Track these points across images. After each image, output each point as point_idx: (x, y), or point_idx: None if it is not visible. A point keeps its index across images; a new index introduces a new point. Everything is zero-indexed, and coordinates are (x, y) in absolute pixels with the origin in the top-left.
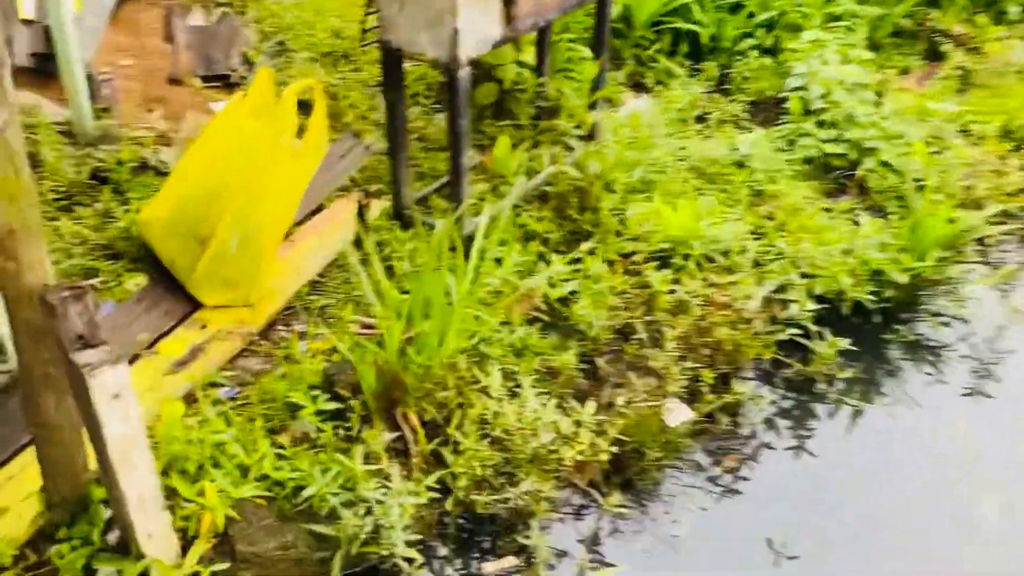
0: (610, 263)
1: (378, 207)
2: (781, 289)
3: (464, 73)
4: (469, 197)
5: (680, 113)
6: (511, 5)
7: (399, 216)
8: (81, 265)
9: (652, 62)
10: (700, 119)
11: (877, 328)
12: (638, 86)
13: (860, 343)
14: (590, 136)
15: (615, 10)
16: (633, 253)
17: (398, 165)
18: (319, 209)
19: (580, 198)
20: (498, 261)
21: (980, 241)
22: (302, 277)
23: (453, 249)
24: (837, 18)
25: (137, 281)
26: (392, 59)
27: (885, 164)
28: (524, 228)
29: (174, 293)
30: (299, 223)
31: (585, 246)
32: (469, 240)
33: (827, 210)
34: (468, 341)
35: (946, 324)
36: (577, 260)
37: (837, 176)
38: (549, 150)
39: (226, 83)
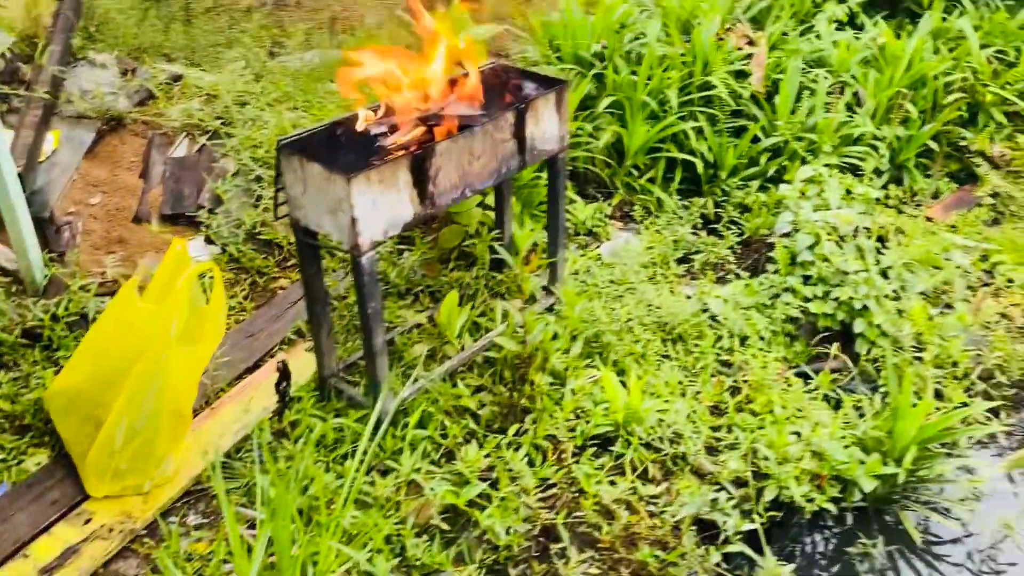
0: (542, 449)
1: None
2: (725, 491)
3: (367, 258)
4: (386, 379)
5: (661, 254)
6: (424, 186)
7: (321, 387)
8: None
9: (645, 192)
10: (684, 260)
11: (844, 536)
12: (627, 217)
13: (819, 559)
14: (546, 289)
15: (604, 137)
16: (569, 437)
17: (319, 335)
18: (258, 365)
19: (518, 368)
20: (412, 447)
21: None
22: (215, 453)
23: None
24: (856, 140)
25: (39, 460)
26: (303, 234)
27: (878, 328)
28: (457, 400)
29: (70, 477)
30: (236, 379)
31: (513, 429)
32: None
33: (807, 379)
34: (341, 564)
35: (930, 532)
36: (505, 445)
37: (821, 340)
38: (501, 306)
39: (192, 222)
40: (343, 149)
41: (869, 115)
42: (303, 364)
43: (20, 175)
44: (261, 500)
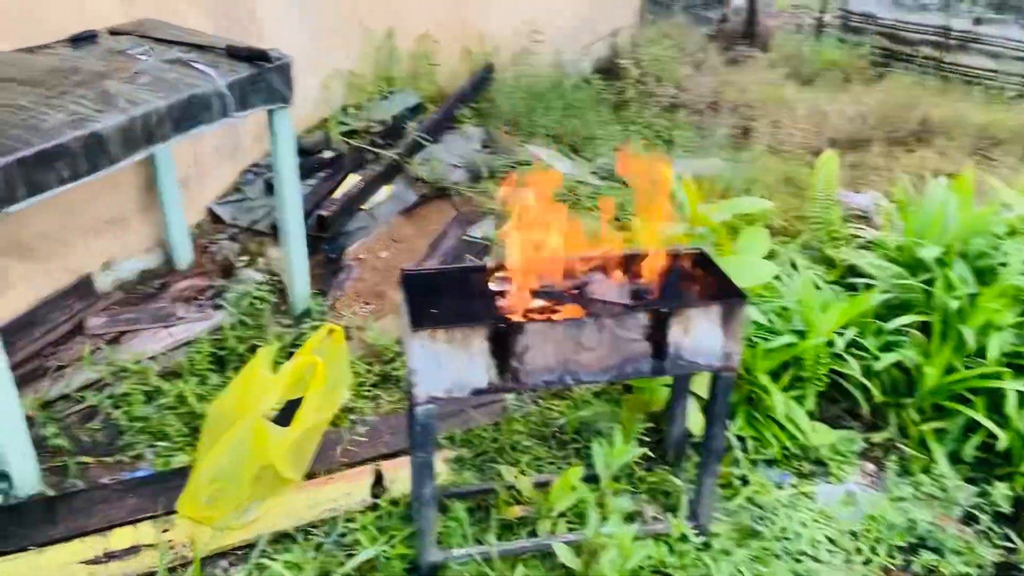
0: None
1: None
2: None
3: (423, 410)
4: (431, 531)
5: (879, 533)
6: (506, 359)
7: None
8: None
9: (923, 445)
10: (917, 548)
11: None
12: (875, 460)
13: None
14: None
15: (888, 359)
16: None
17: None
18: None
19: None
20: None
21: None
22: (290, 520)
23: None
24: None
25: (185, 460)
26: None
27: None
28: None
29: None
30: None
31: None
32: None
33: None
34: None
35: None
36: None
37: None
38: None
39: None
40: (455, 294)
41: None
42: None
43: (322, 215)
44: None
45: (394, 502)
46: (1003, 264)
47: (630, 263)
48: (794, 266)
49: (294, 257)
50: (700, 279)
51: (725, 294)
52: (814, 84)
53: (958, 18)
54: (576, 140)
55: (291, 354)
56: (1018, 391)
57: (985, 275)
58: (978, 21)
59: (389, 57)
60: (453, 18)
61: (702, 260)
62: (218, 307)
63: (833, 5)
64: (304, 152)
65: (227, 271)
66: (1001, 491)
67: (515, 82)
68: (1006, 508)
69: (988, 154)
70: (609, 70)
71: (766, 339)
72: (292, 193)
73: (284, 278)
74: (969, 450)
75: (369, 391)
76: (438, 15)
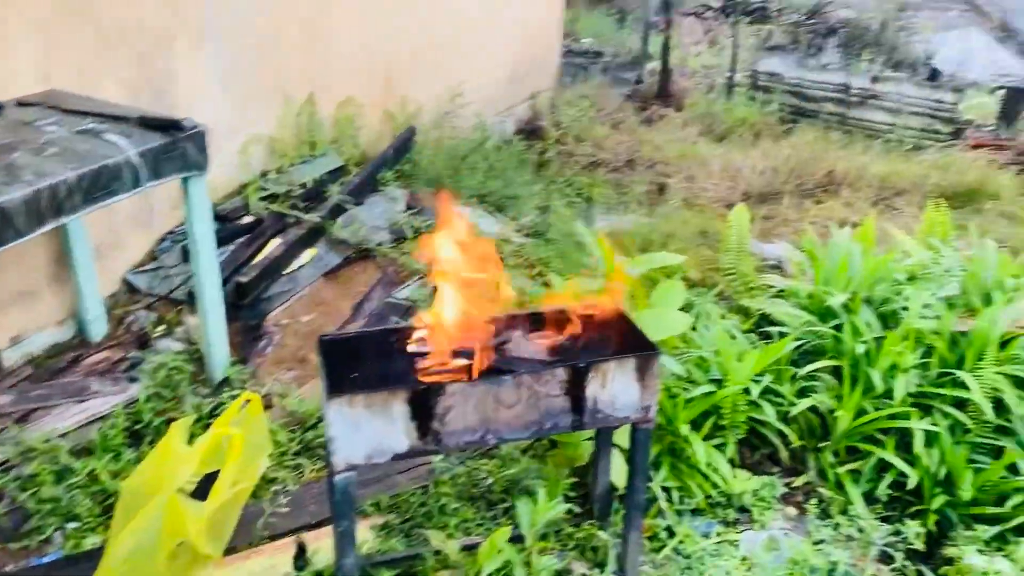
0: None
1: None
2: None
3: (342, 478)
4: None
5: None
6: (427, 422)
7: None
8: None
9: (839, 487)
10: None
11: None
12: (796, 504)
13: None
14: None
15: (803, 404)
16: None
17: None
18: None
19: None
20: None
21: None
22: None
23: None
24: None
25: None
26: None
27: None
28: None
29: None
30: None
31: None
32: None
33: None
34: None
35: None
36: None
37: None
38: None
39: None
40: (376, 357)
41: None
42: None
43: (240, 282)
44: None
45: (318, 574)
46: (904, 308)
47: (548, 319)
48: (710, 316)
49: (212, 325)
50: (617, 333)
51: (640, 347)
52: (727, 140)
53: (857, 77)
54: (500, 200)
55: (209, 425)
56: (924, 430)
57: (889, 319)
58: (875, 79)
59: (311, 121)
60: (376, 82)
61: (618, 315)
62: (133, 379)
63: (742, 65)
64: (223, 218)
65: (143, 342)
66: (913, 529)
67: (438, 144)
68: (919, 545)
69: (891, 203)
70: (531, 131)
71: (686, 389)
72: (208, 260)
73: (202, 347)
74: (883, 489)
75: (292, 460)
76: (361, 80)
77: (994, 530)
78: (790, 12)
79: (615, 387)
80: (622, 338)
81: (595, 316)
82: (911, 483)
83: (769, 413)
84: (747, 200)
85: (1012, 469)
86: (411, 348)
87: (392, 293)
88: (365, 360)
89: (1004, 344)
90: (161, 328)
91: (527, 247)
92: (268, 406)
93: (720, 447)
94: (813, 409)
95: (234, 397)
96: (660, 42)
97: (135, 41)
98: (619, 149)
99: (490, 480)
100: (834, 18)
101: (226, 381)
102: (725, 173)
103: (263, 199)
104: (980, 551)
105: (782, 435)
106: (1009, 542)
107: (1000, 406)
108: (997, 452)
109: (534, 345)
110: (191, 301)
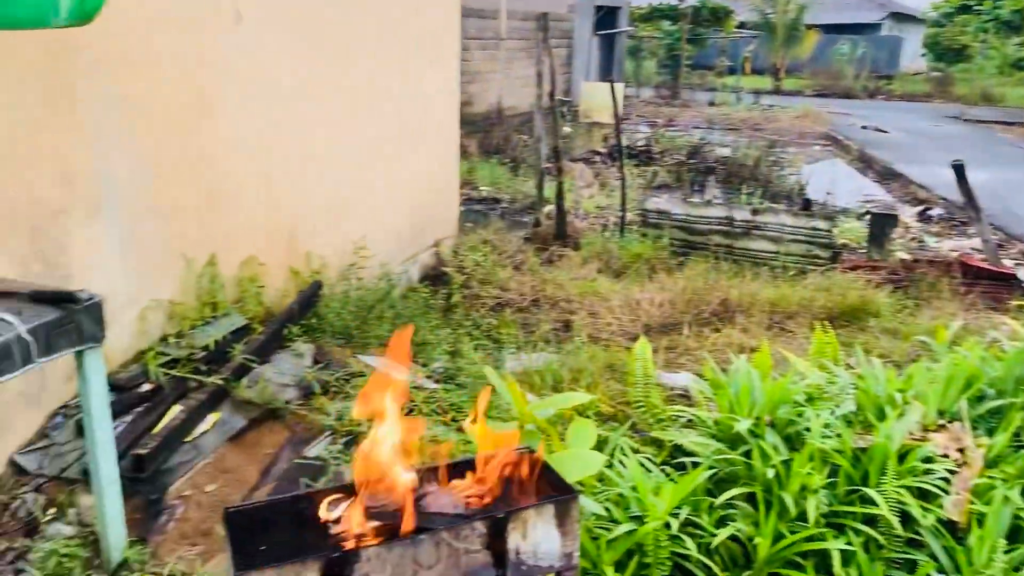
0: None
1: None
2: None
3: None
4: None
5: None
6: None
7: None
8: None
9: None
10: None
11: None
12: None
13: None
14: None
15: (723, 533)
16: None
17: None
18: None
19: None
20: None
21: None
22: None
23: None
24: None
25: None
26: None
27: None
28: None
29: None
30: None
31: None
32: None
33: None
34: None
35: None
36: None
37: None
38: None
39: None
40: (286, 525)
41: None
42: None
43: (138, 454)
44: None
45: None
46: (807, 429)
47: (463, 470)
48: (624, 451)
49: (107, 504)
50: (533, 479)
51: (558, 492)
52: (624, 276)
53: (739, 209)
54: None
55: None
56: (840, 549)
57: (794, 440)
58: (755, 211)
59: (212, 283)
60: (278, 240)
61: (532, 459)
62: (20, 572)
63: (632, 205)
64: (120, 387)
65: (32, 528)
66: None
67: (345, 296)
68: None
69: (783, 326)
70: (436, 277)
71: (607, 529)
72: (104, 434)
73: (98, 528)
74: None
75: None
76: (265, 238)
77: None
78: (672, 153)
79: (536, 536)
80: (539, 484)
81: (511, 462)
82: None
83: (691, 546)
84: (649, 332)
85: None
86: (324, 512)
87: (302, 452)
88: (275, 529)
89: (902, 457)
90: (51, 512)
91: (439, 392)
92: None
93: None
94: (734, 538)
95: None
96: (554, 187)
97: (28, 215)
98: (523, 289)
99: None
100: (712, 157)
101: (124, 564)
102: (626, 307)
103: (162, 365)
104: None
105: (706, 568)
106: None
107: (907, 519)
108: (912, 566)
109: (451, 498)
110: (86, 479)
